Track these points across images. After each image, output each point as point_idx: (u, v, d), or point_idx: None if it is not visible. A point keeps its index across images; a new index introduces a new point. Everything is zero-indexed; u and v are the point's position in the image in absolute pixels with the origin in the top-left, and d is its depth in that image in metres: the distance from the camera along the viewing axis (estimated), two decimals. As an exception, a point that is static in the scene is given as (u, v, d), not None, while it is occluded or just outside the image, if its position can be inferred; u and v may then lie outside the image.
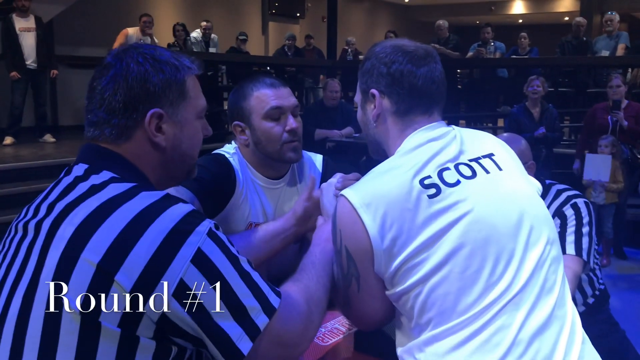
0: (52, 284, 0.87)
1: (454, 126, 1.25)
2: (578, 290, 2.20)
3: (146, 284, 0.86)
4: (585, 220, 2.08)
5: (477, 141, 1.25)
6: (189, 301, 0.88)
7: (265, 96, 1.61)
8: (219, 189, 1.60)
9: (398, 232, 1.07)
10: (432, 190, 1.09)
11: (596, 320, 2.25)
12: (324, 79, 9.27)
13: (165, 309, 0.87)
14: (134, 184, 0.97)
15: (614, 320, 2.37)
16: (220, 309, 0.90)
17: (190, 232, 0.91)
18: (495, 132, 7.64)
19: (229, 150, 1.71)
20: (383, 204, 1.09)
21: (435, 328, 1.05)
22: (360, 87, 1.30)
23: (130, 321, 0.86)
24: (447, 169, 1.13)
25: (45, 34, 6.76)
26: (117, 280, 0.85)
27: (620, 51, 7.13)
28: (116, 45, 6.84)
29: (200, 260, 0.89)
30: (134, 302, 0.86)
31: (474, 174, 1.14)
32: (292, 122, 1.61)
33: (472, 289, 1.04)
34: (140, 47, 1.07)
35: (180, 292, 0.87)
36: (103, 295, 0.85)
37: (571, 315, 1.12)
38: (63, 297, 0.86)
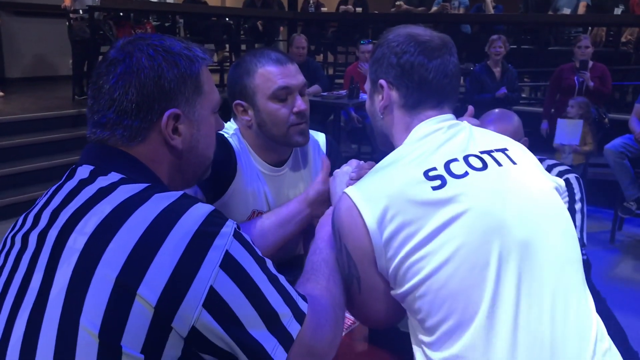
0: (64, 302, 0.78)
1: (465, 121, 1.20)
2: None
3: (174, 295, 0.77)
4: (578, 196, 2.09)
5: (489, 136, 1.20)
6: (220, 311, 0.80)
7: (272, 74, 1.48)
8: (218, 173, 1.46)
9: (399, 225, 1.01)
10: (437, 182, 1.03)
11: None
12: (284, 31, 9.04)
13: (195, 322, 0.79)
14: (147, 184, 0.88)
15: (596, 289, 2.43)
16: (253, 318, 0.83)
17: (216, 234, 0.82)
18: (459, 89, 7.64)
19: (228, 130, 1.57)
20: (384, 197, 1.03)
21: (447, 329, 1.00)
22: (370, 76, 1.23)
23: (155, 342, 0.78)
24: (455, 160, 1.08)
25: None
26: (140, 295, 0.76)
27: (581, 9, 7.18)
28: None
29: (230, 265, 0.82)
30: (161, 317, 0.77)
31: (485, 166, 1.09)
32: (300, 104, 1.51)
33: (482, 287, 0.98)
34: (147, 37, 0.96)
35: (211, 301, 0.79)
36: (125, 313, 0.76)
37: (595, 317, 1.07)
38: (79, 317, 0.77)
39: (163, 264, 0.78)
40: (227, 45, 8.02)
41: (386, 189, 1.04)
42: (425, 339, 1.04)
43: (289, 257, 1.67)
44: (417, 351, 1.08)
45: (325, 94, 5.71)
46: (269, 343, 0.84)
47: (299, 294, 0.92)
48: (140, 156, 0.93)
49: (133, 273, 0.77)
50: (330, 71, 8.94)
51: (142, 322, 0.77)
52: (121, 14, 6.76)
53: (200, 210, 0.84)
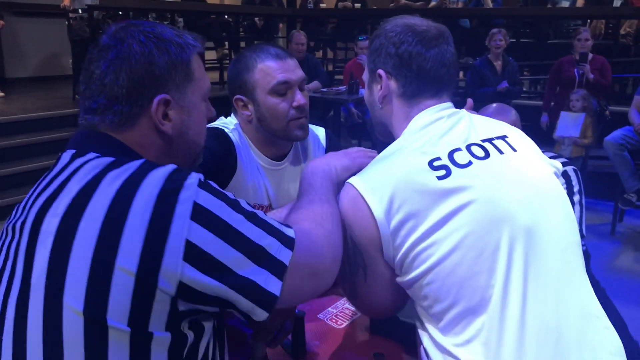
0: (46, 285, 0.80)
1: (463, 110, 1.21)
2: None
3: (152, 257, 0.78)
4: (576, 188, 2.10)
5: (489, 123, 1.21)
6: (202, 261, 0.80)
7: (271, 69, 1.50)
8: (219, 168, 1.49)
9: (406, 214, 1.02)
10: (442, 172, 1.05)
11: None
12: (283, 28, 9.03)
13: (180, 277, 0.79)
14: (114, 158, 0.88)
15: (595, 279, 2.44)
16: (238, 259, 0.83)
17: (180, 189, 0.83)
18: (458, 84, 7.68)
19: (228, 124, 1.59)
20: (390, 186, 1.04)
21: (456, 314, 1.01)
22: (368, 66, 1.24)
23: (140, 312, 0.79)
24: (459, 149, 1.09)
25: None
26: (119, 266, 0.78)
27: (580, 2, 7.16)
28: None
29: (200, 215, 0.82)
30: (144, 282, 0.78)
31: (487, 155, 1.10)
32: (300, 98, 1.52)
33: (491, 273, 1.00)
34: (140, 24, 0.97)
35: (190, 254, 0.80)
36: (107, 287, 0.77)
37: (594, 297, 1.10)
38: (62, 296, 0.78)
39: (135, 231, 0.79)
40: (227, 43, 8.02)
41: (391, 178, 1.05)
42: (433, 324, 1.05)
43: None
44: (423, 336, 1.09)
45: (325, 90, 5.71)
46: (260, 277, 0.84)
47: (282, 224, 0.92)
48: (129, 141, 0.93)
49: (108, 247, 0.78)
50: (330, 67, 8.94)
51: (125, 293, 0.78)
52: (120, 12, 6.75)
53: (160, 172, 0.84)
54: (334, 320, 1.42)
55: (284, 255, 0.87)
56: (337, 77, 8.04)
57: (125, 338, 0.79)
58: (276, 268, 0.86)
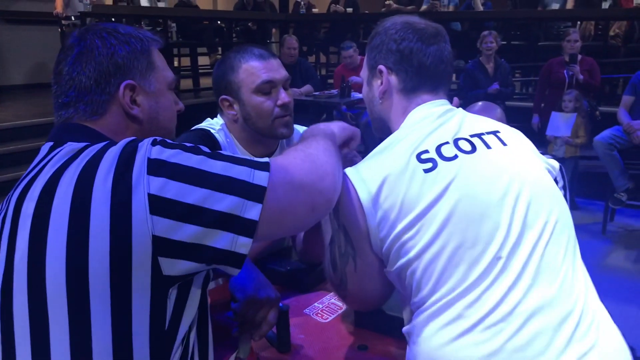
0: (28, 265, 0.83)
1: (460, 108, 1.25)
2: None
3: (121, 222, 0.80)
4: (560, 184, 2.13)
5: (481, 120, 1.24)
6: (171, 209, 0.82)
7: (255, 69, 1.54)
8: None
9: (392, 204, 1.06)
10: (429, 165, 1.08)
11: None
12: (276, 33, 9.07)
13: (152, 231, 0.80)
14: (87, 142, 0.92)
15: (583, 275, 2.47)
16: (208, 195, 0.84)
17: (135, 152, 0.86)
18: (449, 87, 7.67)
19: (214, 125, 1.62)
20: (380, 178, 1.08)
21: (431, 304, 1.04)
22: (368, 63, 1.27)
23: (120, 287, 0.80)
24: (446, 143, 1.12)
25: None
26: (92, 246, 0.80)
27: (570, 4, 7.22)
28: (59, 1, 6.47)
29: (157, 167, 0.84)
30: (119, 250, 0.80)
31: (474, 149, 1.13)
32: (284, 97, 1.55)
33: (467, 265, 1.02)
34: (101, 25, 1.06)
35: (156, 206, 0.81)
36: (84, 263, 0.80)
37: (584, 293, 1.08)
38: (44, 276, 0.81)
39: (100, 207, 0.81)
40: (220, 49, 8.05)
41: (382, 171, 1.09)
42: (414, 317, 1.08)
43: (278, 249, 1.72)
44: (406, 331, 1.11)
45: (317, 93, 5.74)
46: (236, 205, 0.85)
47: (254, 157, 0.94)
48: (103, 129, 0.99)
49: (78, 227, 0.81)
50: (323, 71, 8.98)
51: (102, 267, 0.80)
52: (113, 19, 6.79)
53: (117, 145, 0.88)
54: (319, 315, 1.45)
55: (259, 178, 0.88)
56: (330, 81, 8.07)
57: (107, 312, 0.81)
58: (252, 192, 0.86)
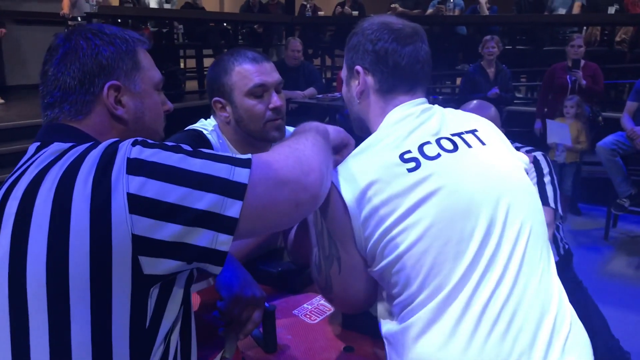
0: (10, 263, 0.84)
1: (437, 105, 1.25)
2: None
3: (101, 222, 0.81)
4: (546, 170, 2.16)
5: (460, 118, 1.25)
6: (150, 208, 0.82)
7: (248, 72, 1.55)
8: None
9: (377, 205, 1.07)
10: (412, 164, 1.09)
11: (562, 278, 2.33)
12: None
13: (132, 230, 0.81)
14: (72, 143, 0.93)
15: (578, 278, 2.47)
16: (184, 194, 0.83)
17: (115, 153, 0.86)
18: (454, 91, 7.71)
19: (206, 126, 1.64)
20: (363, 178, 1.08)
21: (415, 303, 1.05)
22: (346, 63, 1.28)
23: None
24: (428, 142, 1.13)
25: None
26: (72, 244, 0.81)
27: (576, 9, 7.20)
28: (65, 2, 6.52)
29: (135, 167, 0.84)
30: (99, 249, 0.81)
31: (456, 148, 1.14)
32: (276, 100, 1.56)
33: (454, 260, 1.04)
34: (87, 26, 1.06)
35: (135, 205, 0.81)
36: (64, 262, 0.81)
37: (558, 293, 1.13)
38: (25, 274, 0.82)
39: (80, 206, 0.82)
40: (225, 50, 8.07)
41: (365, 171, 1.09)
42: (396, 316, 1.10)
43: (269, 250, 1.72)
44: (385, 324, 1.13)
45: (320, 96, 5.75)
46: (216, 203, 0.85)
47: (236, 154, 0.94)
48: (88, 129, 0.99)
49: (59, 227, 0.82)
50: (329, 74, 8.99)
51: (82, 267, 0.81)
52: (119, 20, 6.83)
53: (99, 147, 0.88)
54: (308, 316, 1.45)
55: (239, 175, 0.87)
56: (334, 84, 8.09)
57: (87, 311, 0.81)
58: (232, 190, 0.86)
